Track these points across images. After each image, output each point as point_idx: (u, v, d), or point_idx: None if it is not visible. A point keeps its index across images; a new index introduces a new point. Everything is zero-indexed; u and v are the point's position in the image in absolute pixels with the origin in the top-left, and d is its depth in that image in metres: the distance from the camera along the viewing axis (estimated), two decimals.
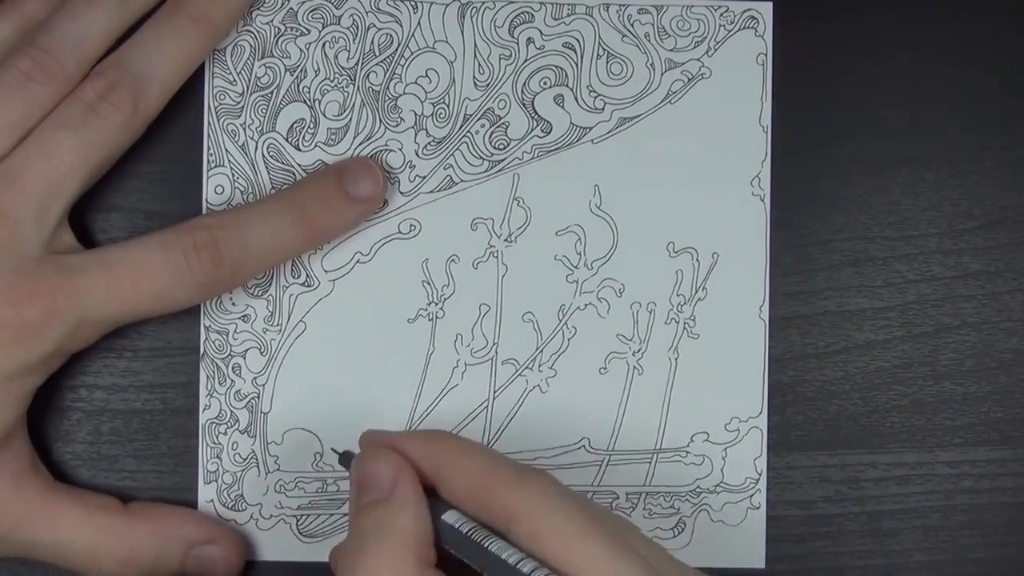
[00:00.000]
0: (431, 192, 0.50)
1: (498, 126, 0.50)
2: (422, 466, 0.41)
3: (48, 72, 0.45)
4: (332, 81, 0.50)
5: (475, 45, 0.50)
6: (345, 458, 0.44)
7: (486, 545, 0.38)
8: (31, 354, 0.44)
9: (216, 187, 0.50)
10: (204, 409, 0.50)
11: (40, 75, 0.45)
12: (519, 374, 0.50)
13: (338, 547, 0.41)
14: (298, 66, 0.50)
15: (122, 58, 0.46)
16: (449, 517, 0.40)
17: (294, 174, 0.50)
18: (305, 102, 0.50)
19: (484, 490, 0.39)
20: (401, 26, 0.50)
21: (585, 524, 0.37)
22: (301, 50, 0.50)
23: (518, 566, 0.37)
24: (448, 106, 0.50)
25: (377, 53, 0.50)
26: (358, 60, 0.50)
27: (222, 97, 0.50)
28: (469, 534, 0.39)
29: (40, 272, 0.44)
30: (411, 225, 0.50)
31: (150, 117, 0.47)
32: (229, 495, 0.50)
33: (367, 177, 0.48)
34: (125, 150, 0.47)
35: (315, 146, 0.50)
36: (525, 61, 0.50)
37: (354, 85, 0.50)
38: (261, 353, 0.50)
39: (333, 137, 0.50)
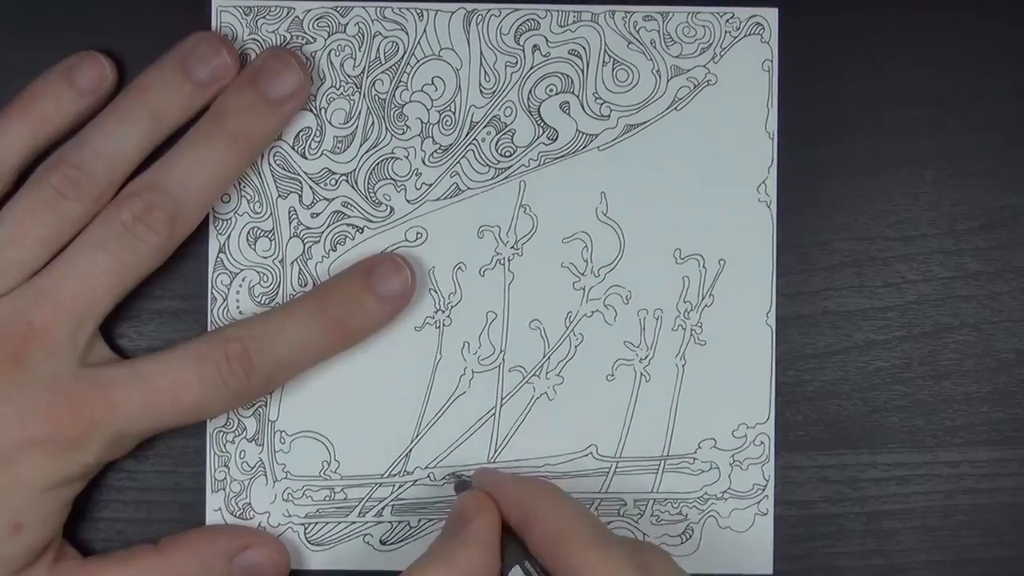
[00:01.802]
0: (437, 200, 0.50)
1: (504, 133, 0.50)
2: (513, 510, 0.43)
3: (80, 188, 0.45)
4: (338, 89, 0.50)
5: (481, 53, 0.50)
6: (458, 486, 0.48)
7: None
8: (73, 466, 0.45)
9: (223, 196, 0.49)
10: (211, 418, 0.50)
11: (72, 191, 0.45)
12: (526, 381, 0.50)
13: (414, 563, 0.42)
14: None
15: (158, 178, 0.46)
16: (516, 572, 0.42)
17: (301, 182, 0.50)
18: (311, 110, 0.50)
19: (559, 546, 0.41)
20: (407, 34, 0.50)
21: None
22: (307, 58, 0.49)
23: None
24: (454, 114, 0.50)
25: (383, 61, 0.50)
26: (364, 68, 0.50)
27: None
28: None
29: (77, 389, 0.45)
30: (418, 233, 0.50)
31: (184, 237, 0.47)
32: (237, 503, 0.50)
33: (396, 276, 0.48)
34: (159, 266, 0.47)
35: (321, 154, 0.50)
36: (531, 68, 0.50)
37: (360, 93, 0.50)
38: None
39: (339, 145, 0.50)
